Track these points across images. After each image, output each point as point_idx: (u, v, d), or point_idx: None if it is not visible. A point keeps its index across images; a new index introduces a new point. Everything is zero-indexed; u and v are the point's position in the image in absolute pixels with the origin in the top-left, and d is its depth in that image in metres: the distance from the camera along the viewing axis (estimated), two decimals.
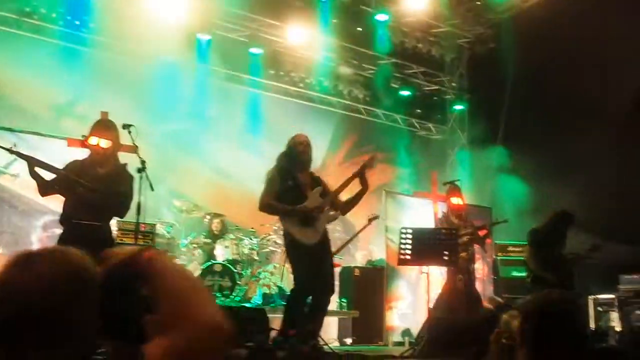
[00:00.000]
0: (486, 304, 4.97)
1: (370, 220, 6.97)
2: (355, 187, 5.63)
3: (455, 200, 7.14)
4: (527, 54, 9.99)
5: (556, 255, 6.89)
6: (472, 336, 4.96)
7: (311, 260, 5.21)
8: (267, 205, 5.33)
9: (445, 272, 7.24)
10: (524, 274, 7.14)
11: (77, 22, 8.54)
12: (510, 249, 8.78)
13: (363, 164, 5.54)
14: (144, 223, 6.56)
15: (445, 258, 5.70)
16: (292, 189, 5.24)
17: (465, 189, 8.54)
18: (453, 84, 12.28)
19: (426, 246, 5.69)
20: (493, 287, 9.60)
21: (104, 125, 5.55)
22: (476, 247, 7.07)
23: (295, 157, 5.36)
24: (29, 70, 8.21)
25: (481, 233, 6.98)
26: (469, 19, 11.50)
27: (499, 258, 9.53)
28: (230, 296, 7.83)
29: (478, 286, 7.51)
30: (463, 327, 5.43)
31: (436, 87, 12.22)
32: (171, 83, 9.19)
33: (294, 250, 5.36)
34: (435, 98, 12.44)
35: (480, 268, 8.37)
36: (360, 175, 5.50)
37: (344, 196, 5.63)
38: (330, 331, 8.46)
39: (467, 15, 11.45)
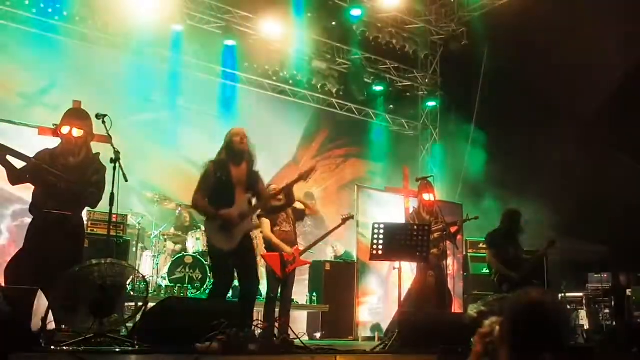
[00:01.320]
0: (470, 312, 5.05)
1: (344, 220, 6.97)
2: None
3: (427, 196, 7.21)
4: (498, 52, 10.13)
5: (514, 253, 7.07)
6: (446, 333, 5.05)
7: (226, 264, 5.24)
8: (196, 204, 5.28)
9: (416, 267, 7.33)
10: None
11: (50, 10, 8.37)
12: (481, 245, 8.91)
13: (298, 176, 5.46)
14: (115, 214, 6.48)
15: (417, 254, 5.74)
16: (223, 186, 5.16)
17: (437, 185, 8.65)
18: (426, 80, 12.39)
19: (398, 242, 5.70)
20: (463, 284, 9.74)
21: (76, 115, 5.47)
22: (447, 243, 7.16)
23: (231, 149, 5.26)
24: (3, 60, 8.05)
25: (452, 229, 7.06)
26: (442, 16, 11.63)
27: (469, 255, 9.66)
28: (202, 289, 7.80)
29: (449, 282, 7.60)
30: (434, 322, 5.50)
31: (409, 83, 12.32)
32: (144, 73, 9.09)
33: (211, 252, 5.43)
34: (408, 94, 12.53)
35: (451, 264, 8.46)
36: (291, 187, 5.46)
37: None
38: (299, 325, 8.49)
39: (440, 12, 11.58)
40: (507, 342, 2.12)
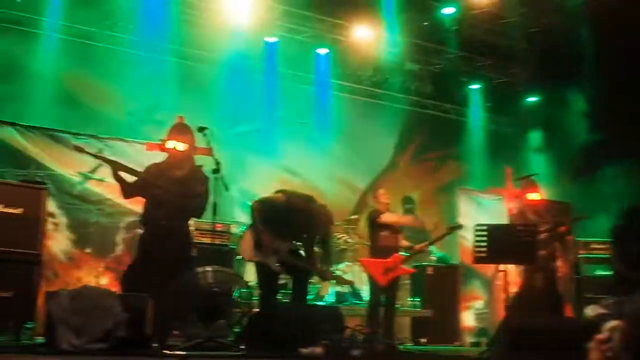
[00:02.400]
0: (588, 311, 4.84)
1: (451, 229, 6.88)
2: None
3: (531, 196, 6.94)
4: (601, 41, 9.59)
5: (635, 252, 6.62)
6: (559, 340, 4.82)
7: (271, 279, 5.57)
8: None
9: (522, 270, 7.06)
10: (609, 273, 6.87)
11: (152, 33, 8.82)
12: (594, 246, 8.44)
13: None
14: (219, 223, 6.73)
15: (523, 256, 5.54)
16: None
17: (542, 183, 8.29)
18: (525, 76, 11.90)
19: (503, 244, 5.53)
20: (575, 287, 9.26)
21: (180, 129, 5.73)
22: (557, 244, 6.84)
23: None
24: (110, 79, 8.60)
25: (561, 230, 6.75)
26: (538, 7, 11.12)
27: (581, 256, 9.19)
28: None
29: (559, 285, 7.25)
30: (545, 329, 5.27)
31: (507, 79, 11.90)
32: (241, 86, 9.38)
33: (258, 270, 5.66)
34: (506, 91, 12.11)
35: (561, 266, 8.07)
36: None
37: None
38: (403, 330, 8.41)
39: (536, 4, 11.08)
40: (630, 350, 1.93)
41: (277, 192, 5.97)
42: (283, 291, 7.70)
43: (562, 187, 10.53)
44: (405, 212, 11.51)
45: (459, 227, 6.89)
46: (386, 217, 6.66)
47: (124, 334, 3.96)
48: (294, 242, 5.78)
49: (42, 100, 8.31)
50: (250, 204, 6.04)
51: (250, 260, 5.80)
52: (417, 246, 6.88)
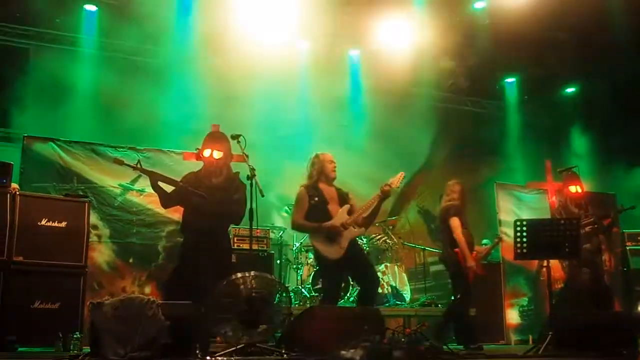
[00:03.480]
0: None
1: (498, 241, 6.80)
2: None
3: (573, 189, 6.80)
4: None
5: None
6: (606, 334, 4.71)
7: (335, 273, 5.59)
8: (296, 225, 5.72)
9: (567, 265, 6.92)
10: None
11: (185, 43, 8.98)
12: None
13: (385, 188, 5.60)
14: (258, 228, 6.78)
15: (566, 250, 5.43)
16: (318, 206, 5.54)
17: (583, 175, 8.11)
18: (563, 66, 11.64)
19: (544, 238, 5.43)
20: (623, 280, 9.02)
21: (215, 137, 5.81)
22: (601, 237, 6.69)
23: (324, 174, 5.68)
24: (148, 92, 8.76)
25: (605, 222, 6.59)
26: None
27: (628, 248, 8.95)
28: (345, 296, 7.90)
29: (606, 279, 7.08)
30: (592, 323, 5.15)
31: (543, 71, 11.66)
32: (275, 92, 9.43)
33: (321, 264, 5.73)
34: (543, 82, 11.87)
35: (607, 260, 7.87)
36: (385, 197, 5.63)
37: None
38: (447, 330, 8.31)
39: None
40: None
41: None
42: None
43: (604, 178, 10.28)
44: None
45: (500, 239, 6.70)
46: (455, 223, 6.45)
47: (167, 341, 4.02)
48: None
49: (82, 115, 8.54)
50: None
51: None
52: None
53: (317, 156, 5.83)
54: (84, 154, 7.20)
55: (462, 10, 10.23)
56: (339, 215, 5.56)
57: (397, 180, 5.68)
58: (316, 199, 5.54)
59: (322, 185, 5.70)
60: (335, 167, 5.77)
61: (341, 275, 5.78)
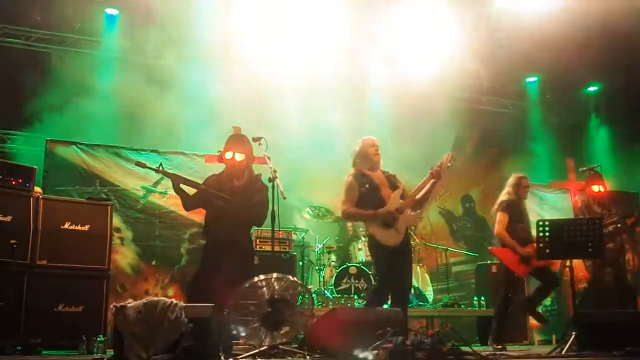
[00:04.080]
0: None
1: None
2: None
3: (596, 188, 6.72)
4: None
5: None
6: (631, 333, 4.66)
7: (392, 261, 5.36)
8: (348, 213, 5.52)
9: (590, 265, 6.84)
10: None
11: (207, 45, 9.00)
12: None
13: (437, 169, 5.53)
14: (280, 230, 6.80)
15: (590, 250, 5.37)
16: (370, 192, 5.39)
17: (607, 174, 8.01)
18: (585, 64, 11.51)
19: (567, 238, 5.39)
20: None
21: (237, 140, 5.83)
22: (625, 236, 6.60)
23: (367, 159, 5.52)
24: (169, 95, 8.83)
25: (629, 221, 6.51)
26: None
27: None
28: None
29: (630, 279, 6.99)
30: (616, 322, 5.09)
31: (565, 70, 11.53)
32: (296, 94, 9.42)
33: (378, 251, 5.48)
34: (565, 81, 11.74)
35: (631, 259, 7.77)
36: (437, 178, 5.53)
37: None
38: (471, 331, 8.27)
39: None
40: None
41: None
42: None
43: (627, 177, 10.15)
44: (465, 210, 11.36)
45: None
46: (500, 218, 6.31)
47: (190, 344, 4.05)
48: None
49: (104, 118, 8.63)
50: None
51: None
52: None
53: (359, 143, 5.70)
54: (106, 157, 7.28)
55: (484, 9, 10.15)
56: (393, 199, 5.41)
57: (446, 160, 5.61)
58: (367, 185, 5.40)
59: (369, 171, 5.57)
60: (377, 150, 5.61)
61: (398, 263, 5.44)
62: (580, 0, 9.24)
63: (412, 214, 5.48)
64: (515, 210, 6.28)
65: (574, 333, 5.12)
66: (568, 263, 5.64)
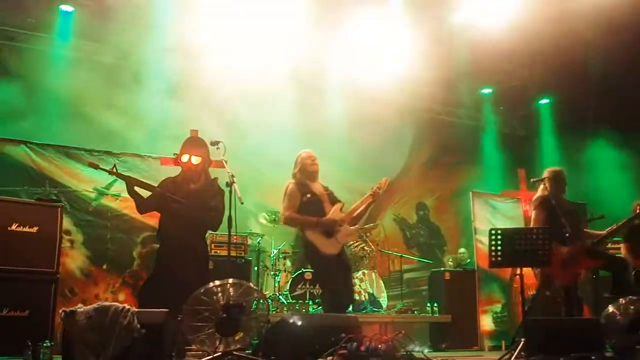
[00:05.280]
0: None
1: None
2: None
3: None
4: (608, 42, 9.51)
5: None
6: (577, 340, 4.79)
7: (331, 268, 5.54)
8: (291, 218, 5.64)
9: (538, 273, 7.00)
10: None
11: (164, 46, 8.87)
12: (610, 245, 8.35)
13: (376, 190, 5.80)
14: (235, 235, 6.74)
15: (539, 258, 5.53)
16: (312, 202, 5.52)
17: None
18: (537, 78, 11.83)
19: (518, 247, 5.53)
20: (592, 287, 9.16)
21: (194, 143, 5.77)
22: None
23: (305, 170, 5.68)
24: (125, 96, 8.66)
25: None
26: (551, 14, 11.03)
27: None
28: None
29: (578, 288, 7.17)
30: (564, 329, 5.23)
31: (519, 83, 11.83)
32: (252, 99, 9.38)
33: (316, 258, 5.62)
34: (518, 94, 12.03)
35: None
36: (374, 200, 5.81)
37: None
38: (423, 336, 8.37)
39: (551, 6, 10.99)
40: None
41: None
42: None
43: (574, 188, 10.45)
44: (419, 218, 11.52)
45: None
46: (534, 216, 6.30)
47: (142, 350, 3.97)
48: None
49: (55, 118, 8.41)
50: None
51: None
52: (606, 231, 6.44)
53: (298, 156, 5.88)
54: (57, 157, 7.09)
55: (441, 20, 10.31)
56: (334, 212, 5.57)
57: (383, 184, 5.86)
58: (308, 195, 5.51)
59: (309, 183, 5.70)
60: (315, 161, 5.77)
61: (337, 270, 5.60)
62: (534, 16, 9.45)
63: (351, 228, 5.66)
64: (553, 206, 6.21)
65: (523, 339, 5.23)
66: (518, 271, 5.76)
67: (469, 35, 10.26)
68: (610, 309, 5.86)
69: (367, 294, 8.22)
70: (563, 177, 6.62)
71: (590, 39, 9.64)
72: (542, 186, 6.59)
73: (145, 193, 5.68)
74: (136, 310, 4.20)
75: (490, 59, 11.09)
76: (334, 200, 5.72)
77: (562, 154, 11.42)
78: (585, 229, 6.61)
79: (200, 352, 4.40)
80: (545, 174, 6.63)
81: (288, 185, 5.73)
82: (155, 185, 5.60)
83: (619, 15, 8.77)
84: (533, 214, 6.43)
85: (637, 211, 6.73)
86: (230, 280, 4.49)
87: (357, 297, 8.18)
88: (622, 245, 6.87)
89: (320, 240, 5.44)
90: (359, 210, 5.75)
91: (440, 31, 10.20)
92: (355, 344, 4.18)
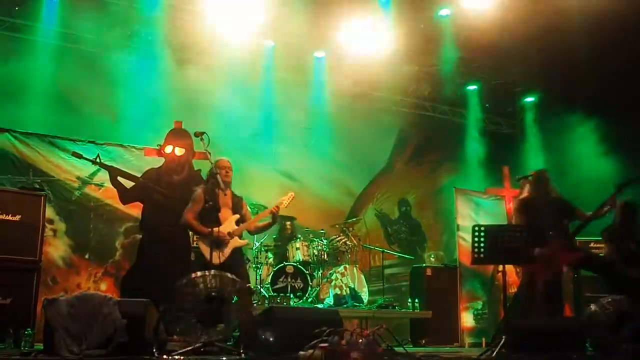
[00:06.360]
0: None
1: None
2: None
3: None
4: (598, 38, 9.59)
5: (632, 248, 6.62)
6: (557, 338, 4.85)
7: None
8: (188, 223, 5.65)
9: (520, 270, 7.06)
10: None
11: (150, 38, 8.82)
12: (593, 245, 8.44)
13: (275, 208, 5.91)
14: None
15: (522, 256, 5.55)
16: (210, 210, 5.54)
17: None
18: (523, 75, 11.88)
19: (500, 244, 5.55)
20: (573, 286, 9.28)
21: (177, 134, 5.77)
22: None
23: (217, 180, 5.65)
24: (109, 86, 8.60)
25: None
26: (537, 8, 11.09)
27: None
28: (304, 297, 7.93)
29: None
30: (544, 328, 5.29)
31: (504, 80, 11.89)
32: (239, 91, 9.37)
33: (201, 267, 5.56)
34: (503, 91, 12.10)
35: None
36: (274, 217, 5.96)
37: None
38: (403, 332, 8.42)
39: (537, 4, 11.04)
40: None
41: None
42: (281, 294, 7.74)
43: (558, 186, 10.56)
44: (401, 214, 11.58)
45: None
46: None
47: (123, 339, 3.97)
48: None
49: (40, 106, 8.32)
50: None
51: None
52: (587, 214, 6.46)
53: (214, 162, 5.79)
54: (41, 146, 7.04)
55: (427, 16, 10.34)
56: (228, 223, 5.68)
57: (286, 200, 5.97)
58: (210, 203, 5.54)
59: (218, 191, 5.68)
60: (229, 172, 5.79)
61: None
62: (520, 13, 9.51)
63: (239, 241, 5.79)
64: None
65: (504, 337, 5.27)
66: (501, 268, 5.79)
67: (455, 32, 10.33)
68: (593, 307, 5.94)
69: (348, 289, 8.25)
70: (545, 177, 6.64)
71: (576, 35, 9.71)
72: (526, 187, 6.62)
73: (128, 183, 5.67)
74: (118, 299, 4.19)
75: (476, 56, 11.18)
76: (236, 209, 5.82)
77: (546, 151, 11.52)
78: (569, 221, 6.57)
79: (182, 343, 4.40)
80: (529, 176, 6.66)
81: (198, 190, 5.72)
82: (139, 176, 5.59)
83: (605, 10, 8.85)
84: (514, 218, 6.46)
85: (622, 206, 6.73)
86: (212, 272, 4.49)
87: (338, 291, 8.22)
88: (604, 245, 6.91)
89: (206, 250, 5.49)
90: (254, 225, 5.94)
91: (426, 27, 10.25)
92: (336, 337, 4.19)
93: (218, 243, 5.53)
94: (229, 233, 5.62)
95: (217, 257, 5.50)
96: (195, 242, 5.77)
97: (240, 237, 5.83)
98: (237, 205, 5.84)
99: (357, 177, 11.13)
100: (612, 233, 6.69)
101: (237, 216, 5.78)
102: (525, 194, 6.58)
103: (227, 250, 5.61)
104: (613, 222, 6.73)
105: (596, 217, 6.56)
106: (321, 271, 8.45)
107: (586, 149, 10.74)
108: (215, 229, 5.48)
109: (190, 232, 6.45)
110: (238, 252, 5.80)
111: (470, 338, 8.81)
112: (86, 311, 4.03)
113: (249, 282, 6.41)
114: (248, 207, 6.07)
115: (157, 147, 6.00)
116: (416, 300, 8.58)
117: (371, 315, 8.11)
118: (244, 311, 4.59)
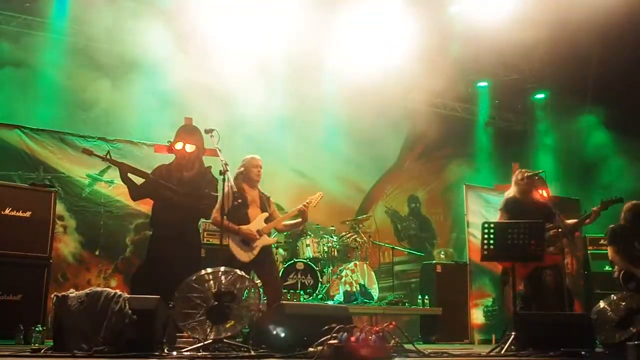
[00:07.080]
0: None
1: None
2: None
3: (539, 193, 6.90)
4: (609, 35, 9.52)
5: (638, 247, 6.59)
6: (567, 335, 4.82)
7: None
8: (217, 222, 5.62)
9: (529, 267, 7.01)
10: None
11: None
12: (603, 242, 8.40)
13: (304, 207, 5.92)
14: None
15: (532, 253, 5.54)
16: (239, 208, 5.56)
17: (551, 180, 8.25)
18: (533, 72, 11.83)
19: (510, 241, 5.53)
20: (583, 283, 9.24)
21: (188, 130, 5.78)
22: (565, 241, 6.80)
23: (249, 177, 5.75)
24: (120, 82, 8.62)
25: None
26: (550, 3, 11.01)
27: (589, 252, 9.18)
28: (314, 294, 7.93)
29: (568, 282, 7.21)
30: (553, 324, 5.26)
31: (515, 77, 11.83)
32: (249, 88, 9.34)
33: (231, 263, 5.63)
34: (514, 88, 12.03)
35: (569, 262, 8.05)
36: (303, 216, 5.98)
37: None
38: (413, 329, 8.41)
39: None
40: None
41: None
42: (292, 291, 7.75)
43: (568, 184, 10.51)
44: (410, 211, 11.55)
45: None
46: None
47: (133, 336, 3.98)
48: None
49: (50, 103, 8.37)
50: None
51: None
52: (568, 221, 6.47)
53: (245, 159, 5.87)
54: (51, 142, 7.08)
55: (438, 14, 10.29)
56: (257, 221, 5.71)
57: (315, 199, 6.02)
58: (239, 201, 5.55)
59: (246, 187, 5.74)
60: (260, 171, 5.86)
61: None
62: (531, 9, 9.44)
63: (269, 239, 5.85)
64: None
65: (513, 333, 5.26)
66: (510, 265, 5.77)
67: (465, 28, 10.26)
68: (602, 304, 5.91)
69: (358, 285, 8.24)
70: (533, 181, 6.61)
71: (587, 32, 9.63)
72: (511, 187, 6.65)
73: (138, 180, 5.68)
74: (128, 296, 4.20)
75: (487, 52, 11.10)
76: (264, 207, 5.84)
77: (557, 147, 11.46)
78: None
79: (191, 339, 4.41)
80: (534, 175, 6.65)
81: (226, 188, 5.64)
82: (149, 172, 5.60)
83: (616, 6, 8.77)
84: (498, 215, 6.47)
85: (631, 208, 6.70)
86: (222, 269, 4.50)
87: (348, 288, 8.21)
88: (608, 248, 6.88)
89: (236, 248, 5.55)
90: (282, 224, 5.97)
91: (436, 24, 10.19)
92: (345, 334, 4.19)
93: (247, 241, 5.58)
94: (258, 231, 5.65)
95: (246, 256, 5.56)
96: (225, 240, 5.79)
97: (269, 235, 5.86)
98: (264, 202, 5.87)
99: (367, 173, 11.12)
100: (616, 234, 6.67)
101: (266, 214, 5.81)
102: (511, 193, 6.58)
103: (257, 249, 5.65)
104: (619, 223, 6.70)
105: (577, 227, 6.73)
106: (331, 268, 8.45)
107: (596, 146, 10.69)
108: (245, 227, 5.53)
109: (201, 229, 6.49)
110: (268, 249, 5.84)
111: (480, 335, 8.80)
112: (96, 308, 4.04)
113: (279, 277, 6.50)
114: (274, 207, 6.10)
115: (167, 144, 6.01)
116: (426, 297, 8.57)
117: (381, 312, 8.11)
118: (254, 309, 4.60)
